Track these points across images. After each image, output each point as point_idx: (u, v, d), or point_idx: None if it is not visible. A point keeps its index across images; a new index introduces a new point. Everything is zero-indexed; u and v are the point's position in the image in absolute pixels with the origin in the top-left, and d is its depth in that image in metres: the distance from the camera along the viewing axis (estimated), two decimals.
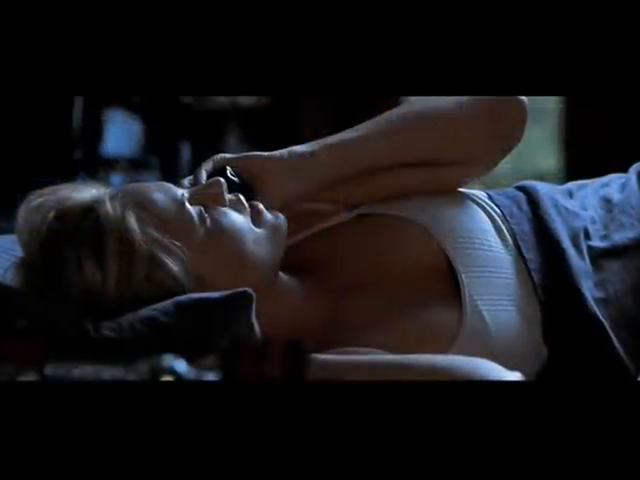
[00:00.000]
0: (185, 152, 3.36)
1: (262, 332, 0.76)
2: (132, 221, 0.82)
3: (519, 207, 1.02)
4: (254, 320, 0.76)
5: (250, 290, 0.77)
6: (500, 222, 1.00)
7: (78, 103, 3.12)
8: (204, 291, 0.81)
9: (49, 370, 0.57)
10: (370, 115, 1.01)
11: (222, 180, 0.90)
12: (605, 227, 1.02)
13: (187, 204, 0.87)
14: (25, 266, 0.86)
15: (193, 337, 0.76)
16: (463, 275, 0.94)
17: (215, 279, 0.85)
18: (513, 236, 0.99)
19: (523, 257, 0.97)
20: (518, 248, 0.98)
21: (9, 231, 0.93)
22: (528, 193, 1.04)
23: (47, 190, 0.87)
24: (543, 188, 1.06)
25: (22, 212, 0.86)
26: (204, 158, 0.97)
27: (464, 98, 0.99)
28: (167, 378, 0.56)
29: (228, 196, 0.90)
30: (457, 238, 0.97)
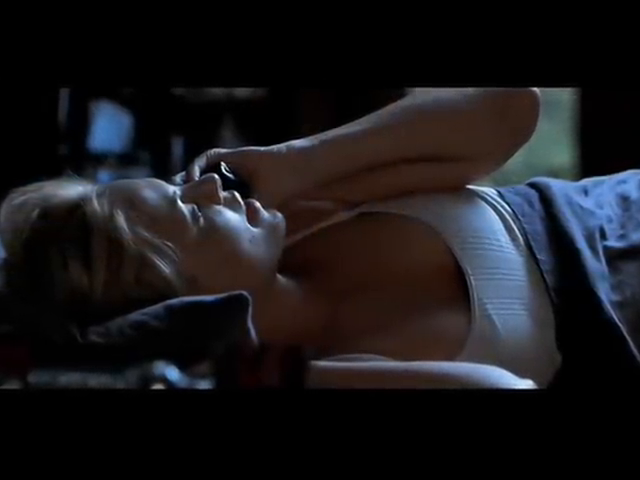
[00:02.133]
0: (177, 147, 3.35)
1: (259, 337, 0.76)
2: (121, 220, 0.82)
3: (531, 205, 1.02)
4: (250, 324, 0.76)
5: (246, 293, 0.76)
6: (511, 221, 1.00)
7: (64, 95, 3.11)
8: (197, 294, 0.81)
9: (33, 377, 0.57)
10: (372, 108, 1.01)
11: (216, 177, 0.90)
12: (622, 226, 1.01)
13: (179, 202, 0.87)
14: (7, 267, 0.86)
15: (185, 342, 0.76)
16: (472, 277, 0.94)
17: (209, 281, 0.85)
18: (525, 236, 0.99)
19: (535, 258, 0.97)
20: (530, 248, 0.98)
21: None
22: (540, 190, 1.04)
23: (31, 187, 0.87)
24: (556, 185, 1.06)
25: (4, 210, 0.85)
26: (197, 153, 0.97)
27: (470, 90, 0.99)
28: (158, 386, 0.56)
29: (223, 194, 0.89)
30: (465, 238, 0.96)
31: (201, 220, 0.86)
